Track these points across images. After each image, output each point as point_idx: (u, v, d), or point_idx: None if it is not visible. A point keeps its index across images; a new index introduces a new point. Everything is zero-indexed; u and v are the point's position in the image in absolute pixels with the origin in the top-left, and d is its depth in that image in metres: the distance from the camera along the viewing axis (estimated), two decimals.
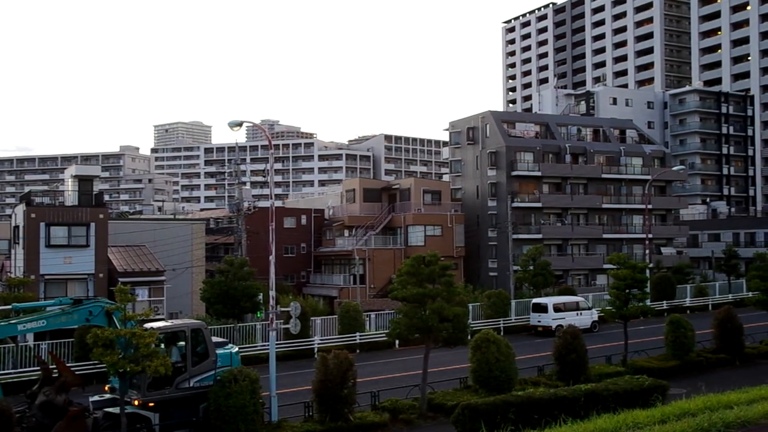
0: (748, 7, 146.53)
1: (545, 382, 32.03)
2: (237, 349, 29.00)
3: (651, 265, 61.44)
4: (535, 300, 55.28)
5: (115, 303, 25.26)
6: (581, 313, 52.50)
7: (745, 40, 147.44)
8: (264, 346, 39.85)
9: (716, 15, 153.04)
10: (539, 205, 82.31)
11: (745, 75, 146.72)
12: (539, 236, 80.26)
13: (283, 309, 39.96)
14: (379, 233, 79.00)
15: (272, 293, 31.53)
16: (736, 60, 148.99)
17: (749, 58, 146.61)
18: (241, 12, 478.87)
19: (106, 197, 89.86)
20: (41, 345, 38.61)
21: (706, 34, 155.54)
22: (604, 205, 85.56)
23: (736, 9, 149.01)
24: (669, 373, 34.12)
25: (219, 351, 26.69)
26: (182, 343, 26.31)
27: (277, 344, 32.27)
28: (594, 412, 14.67)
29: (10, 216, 74.88)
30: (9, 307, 27.48)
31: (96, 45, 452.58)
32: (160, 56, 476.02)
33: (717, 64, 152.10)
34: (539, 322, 52.37)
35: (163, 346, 25.26)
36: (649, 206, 77.10)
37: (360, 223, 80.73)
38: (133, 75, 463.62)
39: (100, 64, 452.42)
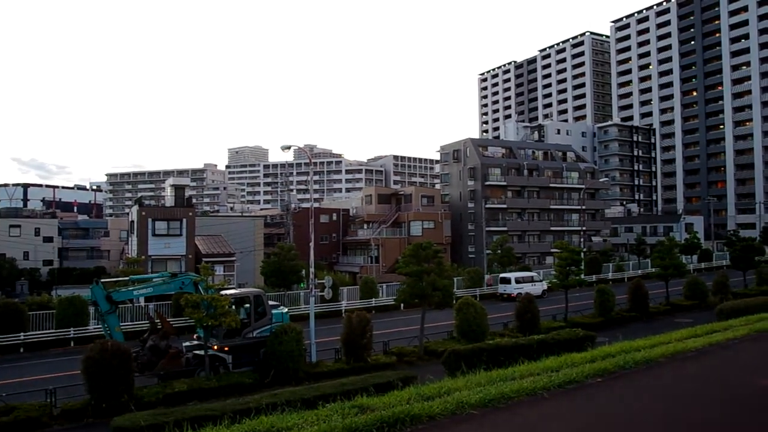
0: (650, 66, 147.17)
1: (509, 334, 31.96)
2: (287, 310, 29.01)
3: (584, 250, 61.26)
4: (501, 275, 55.23)
5: (200, 276, 25.39)
6: (535, 284, 52.35)
7: (648, 89, 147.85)
8: (306, 308, 39.86)
9: (628, 71, 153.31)
10: (505, 206, 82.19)
11: (649, 114, 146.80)
12: (505, 229, 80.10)
13: (319, 281, 40.02)
14: (389, 227, 79.00)
15: (312, 270, 31.58)
16: (643, 103, 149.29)
17: (652, 101, 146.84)
18: (283, 55, 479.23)
19: (194, 200, 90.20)
20: (149, 305, 38.82)
21: (621, 85, 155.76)
22: (552, 206, 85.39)
23: (641, 68, 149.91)
24: (597, 327, 34.03)
25: (274, 311, 26.75)
26: (247, 305, 26.40)
27: (315, 306, 32.25)
28: (544, 355, 14.66)
29: (128, 214, 75.38)
30: (128, 278, 27.64)
31: (190, 86, 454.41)
32: (232, 94, 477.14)
33: (629, 106, 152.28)
34: (505, 290, 52.28)
35: (234, 307, 25.30)
36: (583, 207, 77.01)
37: (375, 219, 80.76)
38: (214, 109, 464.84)
39: (195, 98, 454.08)
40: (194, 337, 26.19)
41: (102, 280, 26.18)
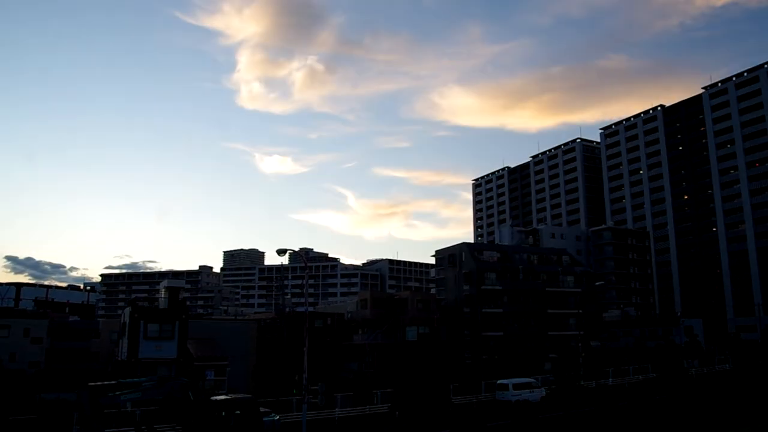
0: (641, 171, 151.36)
1: None
2: (278, 417, 28.33)
3: (583, 354, 60.48)
4: (499, 381, 54.07)
5: (190, 381, 24.95)
6: (533, 391, 51.19)
7: (640, 193, 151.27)
8: (299, 414, 38.79)
9: (619, 176, 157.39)
10: (501, 310, 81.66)
11: (642, 217, 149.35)
12: (501, 333, 79.21)
13: (312, 387, 39.23)
14: (385, 332, 77.92)
15: (305, 375, 31.04)
16: (635, 206, 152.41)
17: (644, 205, 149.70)
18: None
19: (188, 303, 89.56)
20: (137, 411, 37.71)
21: (613, 189, 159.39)
22: (549, 311, 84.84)
23: (632, 172, 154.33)
24: None
25: (265, 419, 26.13)
26: (238, 411, 25.80)
27: (308, 413, 31.43)
28: None
29: (120, 315, 74.59)
30: (115, 382, 27.13)
31: (189, 190, 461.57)
32: (230, 197, 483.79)
33: (622, 209, 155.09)
34: (503, 397, 51.00)
35: (224, 413, 24.74)
36: (580, 311, 76.62)
37: (370, 325, 79.76)
38: (212, 212, 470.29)
39: (194, 202, 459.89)
40: None
41: (90, 384, 25.69)
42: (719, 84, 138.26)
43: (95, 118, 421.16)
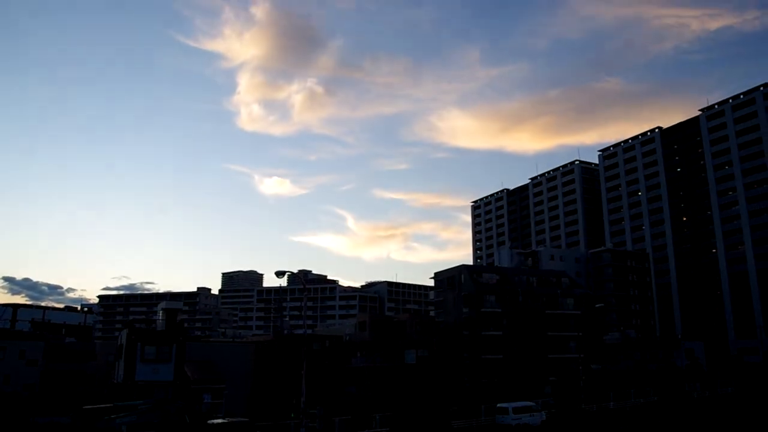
0: (639, 193, 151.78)
1: None
2: None
3: (583, 377, 60.05)
4: (499, 404, 53.61)
5: (187, 404, 24.66)
6: (533, 415, 50.78)
7: (639, 215, 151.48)
8: None
9: (618, 198, 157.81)
10: (500, 333, 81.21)
11: (642, 238, 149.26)
12: (501, 356, 78.69)
13: (310, 411, 38.83)
14: (383, 354, 77.37)
15: (303, 399, 30.74)
16: (634, 228, 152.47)
17: (643, 227, 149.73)
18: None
19: (186, 325, 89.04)
20: None
21: (612, 211, 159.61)
22: (549, 333, 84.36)
23: (631, 194, 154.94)
24: None
25: None
26: None
27: None
28: None
29: (117, 337, 74.09)
30: (111, 405, 26.84)
31: (187, 212, 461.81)
32: (232, 225, 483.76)
33: (621, 231, 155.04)
34: (503, 421, 50.57)
35: None
36: (580, 334, 76.24)
37: (368, 348, 79.22)
38: (210, 233, 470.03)
39: (192, 223, 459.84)
40: None
41: (85, 407, 25.42)
42: (716, 106, 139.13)
43: (94, 139, 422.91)
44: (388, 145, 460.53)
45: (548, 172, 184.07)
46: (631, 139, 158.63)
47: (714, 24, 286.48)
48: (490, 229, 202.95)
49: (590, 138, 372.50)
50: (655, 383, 73.44)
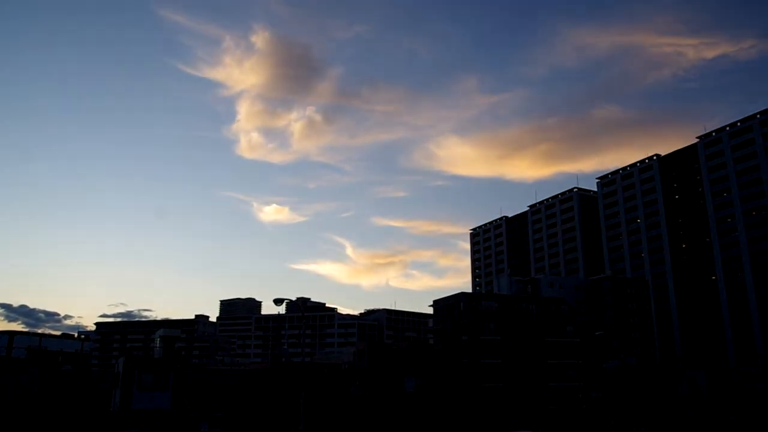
0: (638, 220, 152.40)
1: None
2: None
3: (584, 406, 59.65)
4: None
5: None
6: None
7: (638, 242, 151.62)
8: None
9: (617, 225, 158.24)
10: (500, 361, 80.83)
11: (641, 266, 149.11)
12: (500, 384, 78.21)
13: None
14: (382, 383, 76.80)
15: (301, 427, 30.60)
16: (633, 255, 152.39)
17: (642, 254, 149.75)
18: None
19: (183, 353, 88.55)
20: None
21: (611, 238, 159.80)
22: (549, 361, 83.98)
23: (629, 221, 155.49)
24: None
25: None
26: None
27: None
28: None
29: (114, 365, 73.65)
30: None
31: (185, 238, 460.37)
32: (230, 252, 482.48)
33: (621, 258, 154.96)
34: None
35: None
36: (580, 362, 75.93)
37: (367, 376, 78.68)
38: (209, 264, 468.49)
39: (190, 251, 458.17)
40: None
41: None
42: (713, 134, 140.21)
43: (92, 165, 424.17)
44: (387, 172, 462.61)
45: (547, 200, 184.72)
46: (629, 166, 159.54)
47: (711, 52, 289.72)
48: (489, 256, 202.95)
49: (589, 165, 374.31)
50: (656, 411, 72.88)
